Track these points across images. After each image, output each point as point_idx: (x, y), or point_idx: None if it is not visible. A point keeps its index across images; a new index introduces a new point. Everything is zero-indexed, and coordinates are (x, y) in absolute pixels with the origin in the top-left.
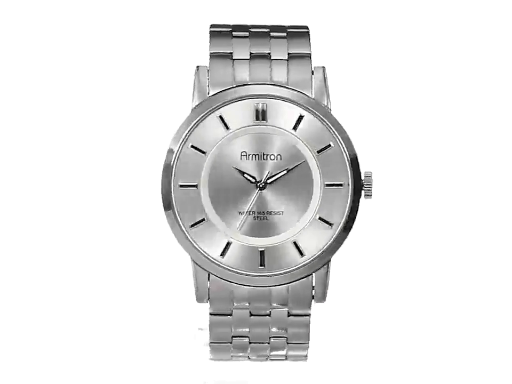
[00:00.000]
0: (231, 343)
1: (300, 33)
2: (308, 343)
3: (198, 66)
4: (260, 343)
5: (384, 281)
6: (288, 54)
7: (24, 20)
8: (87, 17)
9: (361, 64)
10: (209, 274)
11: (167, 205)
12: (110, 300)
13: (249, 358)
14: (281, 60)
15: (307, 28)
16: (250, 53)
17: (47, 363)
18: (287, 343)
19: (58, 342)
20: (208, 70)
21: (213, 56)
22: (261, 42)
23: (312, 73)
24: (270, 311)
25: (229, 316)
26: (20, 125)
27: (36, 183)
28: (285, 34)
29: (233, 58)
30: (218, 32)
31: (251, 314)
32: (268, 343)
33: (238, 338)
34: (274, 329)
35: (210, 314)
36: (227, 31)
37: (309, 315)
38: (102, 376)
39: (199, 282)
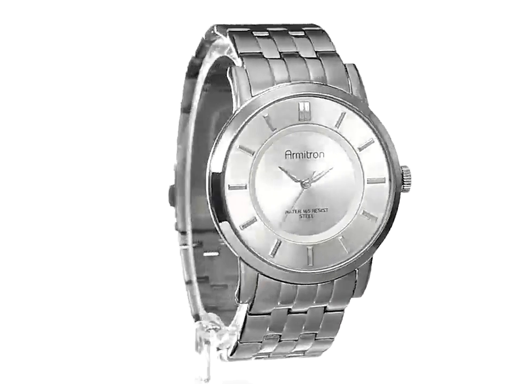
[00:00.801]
0: (261, 342)
1: (318, 32)
2: (335, 337)
3: (233, 67)
4: (290, 340)
5: (408, 277)
6: (316, 52)
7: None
8: (81, 19)
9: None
10: (257, 274)
11: (218, 207)
12: (111, 301)
13: (268, 356)
14: (313, 58)
15: (318, 26)
16: (280, 52)
17: (43, 363)
18: (315, 338)
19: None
20: (246, 71)
21: (246, 56)
22: (285, 42)
23: (346, 70)
24: (309, 308)
25: (268, 315)
26: (16, 127)
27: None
28: (303, 33)
29: (266, 58)
30: (239, 33)
31: (288, 312)
32: (296, 340)
33: (270, 336)
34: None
35: (250, 314)
36: (246, 31)
37: (343, 310)
38: (103, 376)
39: (247, 282)
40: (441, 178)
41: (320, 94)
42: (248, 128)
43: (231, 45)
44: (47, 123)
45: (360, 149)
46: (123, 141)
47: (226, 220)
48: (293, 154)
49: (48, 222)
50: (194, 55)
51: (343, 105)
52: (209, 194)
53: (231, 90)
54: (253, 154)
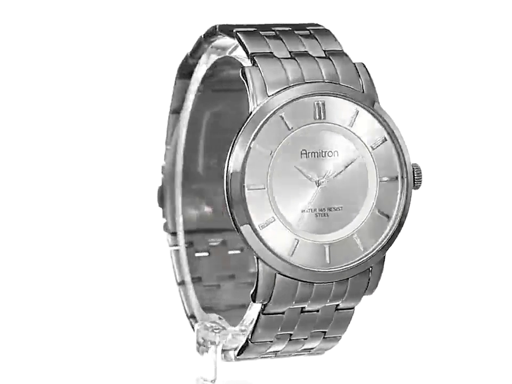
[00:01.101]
0: (271, 341)
1: (322, 31)
2: (343, 335)
3: (246, 68)
4: (300, 339)
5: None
6: (324, 51)
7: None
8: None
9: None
10: (275, 274)
11: (238, 208)
12: (98, 303)
13: (275, 355)
14: (323, 57)
15: (322, 26)
16: (290, 52)
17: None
18: (324, 337)
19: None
20: (260, 71)
21: (257, 56)
22: (294, 41)
23: (356, 69)
24: (322, 307)
25: (281, 314)
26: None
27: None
28: (308, 32)
29: (277, 57)
30: (246, 32)
31: (301, 311)
32: (306, 338)
33: (281, 335)
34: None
35: (263, 314)
36: (253, 30)
37: (354, 308)
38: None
39: (265, 282)
40: (448, 176)
41: (334, 93)
42: (265, 128)
43: (238, 44)
44: (36, 123)
45: (373, 147)
46: (109, 142)
47: (247, 223)
48: (308, 153)
49: (37, 224)
50: (189, 54)
51: (356, 104)
52: (227, 195)
53: (224, 91)
54: (270, 154)
